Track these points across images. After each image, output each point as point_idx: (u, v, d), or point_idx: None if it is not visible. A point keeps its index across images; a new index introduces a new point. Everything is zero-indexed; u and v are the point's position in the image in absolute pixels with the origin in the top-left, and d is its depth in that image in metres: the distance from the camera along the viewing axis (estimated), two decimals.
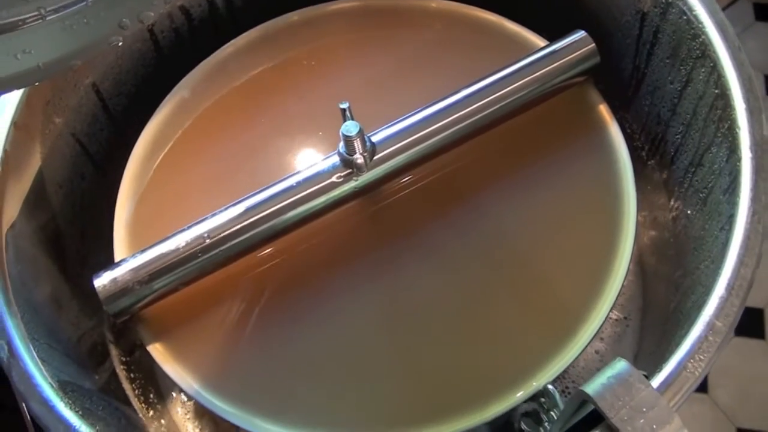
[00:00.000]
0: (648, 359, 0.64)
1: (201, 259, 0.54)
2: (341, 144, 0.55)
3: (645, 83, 0.66)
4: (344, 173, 0.56)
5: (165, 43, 0.71)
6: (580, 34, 0.62)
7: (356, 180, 0.57)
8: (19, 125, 0.57)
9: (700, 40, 0.56)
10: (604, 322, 0.54)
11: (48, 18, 0.43)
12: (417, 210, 0.60)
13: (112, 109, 0.69)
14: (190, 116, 0.66)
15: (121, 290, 0.53)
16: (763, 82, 1.22)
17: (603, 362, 0.69)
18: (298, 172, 0.57)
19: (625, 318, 0.71)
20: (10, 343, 0.49)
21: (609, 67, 0.63)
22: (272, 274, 0.58)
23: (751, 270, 0.46)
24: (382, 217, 0.60)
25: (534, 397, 0.53)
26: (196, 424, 0.70)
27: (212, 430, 0.69)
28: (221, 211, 0.56)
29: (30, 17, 0.42)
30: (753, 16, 1.31)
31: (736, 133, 0.52)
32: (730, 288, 0.46)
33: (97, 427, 0.46)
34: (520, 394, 0.52)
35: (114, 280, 0.53)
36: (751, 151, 0.50)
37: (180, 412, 0.70)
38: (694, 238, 0.59)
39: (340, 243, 0.59)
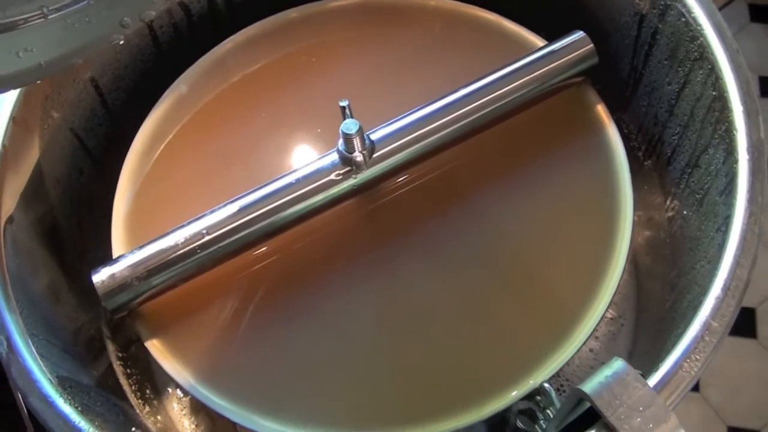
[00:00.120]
0: (643, 358, 0.64)
1: (199, 255, 0.55)
2: (340, 142, 0.55)
3: (643, 84, 0.67)
4: (343, 171, 0.56)
5: (164, 38, 0.71)
6: (579, 34, 0.62)
7: (355, 178, 0.57)
8: (17, 120, 0.57)
9: (699, 42, 0.57)
10: (600, 321, 0.54)
11: (50, 17, 0.43)
12: (414, 209, 0.60)
13: (110, 104, 0.68)
14: (188, 112, 0.66)
15: (120, 286, 0.53)
16: (758, 84, 1.23)
17: (597, 361, 0.69)
18: (296, 170, 0.57)
19: (620, 317, 0.72)
20: (9, 339, 0.49)
21: (607, 67, 0.63)
22: (269, 271, 0.58)
23: (747, 271, 0.47)
24: (379, 215, 0.60)
25: (530, 396, 0.54)
26: (192, 420, 0.70)
27: (208, 426, 0.69)
28: (220, 208, 0.56)
29: (32, 16, 0.42)
30: (748, 17, 1.31)
31: (734, 135, 0.52)
32: (726, 288, 0.46)
33: (96, 423, 0.46)
34: (517, 393, 0.52)
35: (112, 275, 0.53)
36: (748, 153, 0.51)
37: (176, 408, 0.70)
38: (690, 239, 0.59)
39: (337, 241, 0.59)
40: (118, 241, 0.60)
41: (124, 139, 0.64)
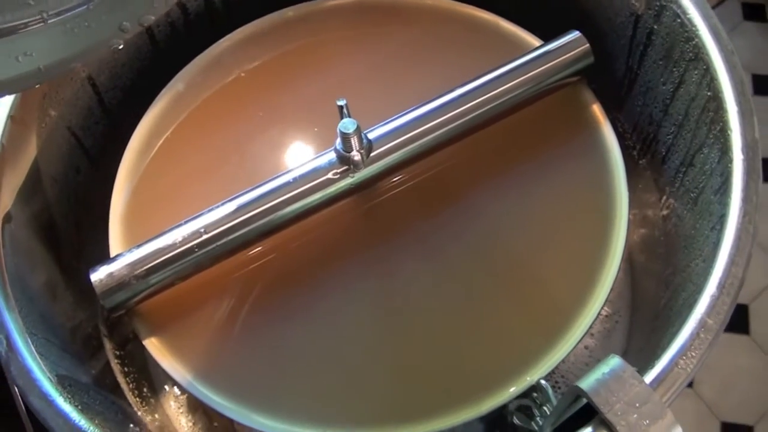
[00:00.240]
0: (637, 355, 0.65)
1: (197, 254, 0.55)
2: (338, 141, 0.55)
3: (638, 84, 0.67)
4: (341, 170, 0.56)
5: (161, 37, 0.71)
6: (575, 34, 0.63)
7: (352, 177, 0.57)
8: (15, 119, 0.57)
9: (694, 42, 0.57)
10: (595, 319, 0.55)
11: (50, 21, 0.43)
12: (411, 208, 0.60)
13: (107, 103, 0.68)
14: (185, 110, 0.66)
15: (118, 284, 0.53)
16: (751, 82, 1.24)
17: (592, 358, 0.70)
18: (294, 168, 0.57)
19: (615, 314, 0.72)
20: (8, 338, 0.49)
21: (602, 67, 0.64)
22: (266, 270, 0.58)
23: (742, 269, 0.47)
24: (376, 214, 0.61)
25: (527, 393, 0.54)
26: (189, 418, 0.70)
27: (205, 424, 0.70)
28: (217, 207, 0.56)
29: (32, 20, 0.43)
30: (741, 15, 1.32)
31: (728, 135, 0.53)
32: (722, 287, 0.47)
33: (96, 421, 0.47)
34: (514, 389, 0.52)
35: (110, 274, 0.54)
36: (743, 153, 0.51)
37: (173, 406, 0.70)
38: (685, 237, 0.60)
39: (333, 240, 0.59)
40: (115, 240, 0.60)
41: (121, 137, 0.64)
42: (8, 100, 0.57)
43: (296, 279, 0.58)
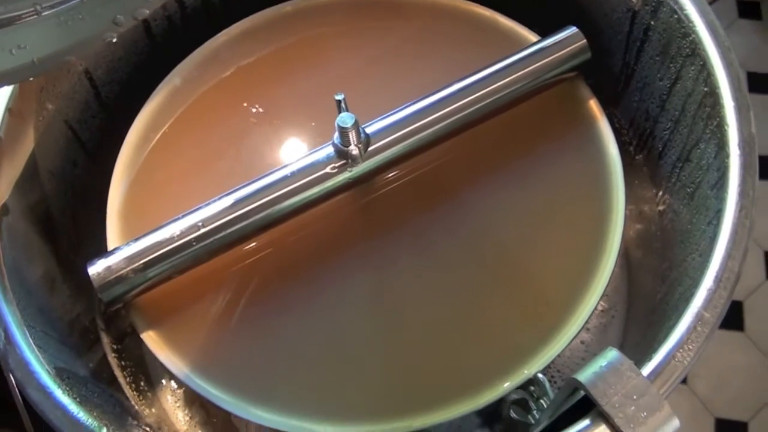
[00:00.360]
0: (633, 350, 0.65)
1: (195, 247, 0.55)
2: (336, 135, 0.55)
3: (635, 79, 0.67)
4: (339, 164, 0.57)
5: (158, 31, 0.70)
6: (572, 30, 0.63)
7: (350, 171, 0.57)
8: (13, 111, 0.57)
9: (690, 38, 0.57)
10: (592, 313, 0.55)
11: (43, 14, 0.43)
12: (408, 203, 0.60)
13: (104, 97, 0.68)
14: (182, 104, 0.66)
15: (116, 278, 0.53)
16: (746, 79, 1.24)
17: (588, 352, 0.70)
18: (292, 163, 0.57)
19: (611, 309, 0.73)
20: (6, 330, 0.49)
21: (599, 63, 0.64)
22: (264, 264, 0.58)
23: (739, 263, 0.48)
24: (373, 209, 0.61)
25: (524, 386, 0.54)
26: (186, 412, 0.70)
27: (202, 418, 0.70)
28: (215, 200, 0.56)
29: (25, 13, 0.43)
30: (736, 12, 1.33)
31: (725, 130, 0.53)
32: (719, 280, 0.47)
33: (95, 413, 0.47)
34: (511, 383, 0.53)
35: (108, 267, 0.54)
36: (740, 148, 0.51)
37: (170, 400, 0.70)
38: (681, 232, 0.60)
39: (330, 234, 0.59)
40: (112, 234, 0.60)
41: (118, 131, 0.64)
42: (6, 93, 0.57)
43: (293, 273, 0.58)
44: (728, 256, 0.48)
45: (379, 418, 0.53)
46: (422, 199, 0.61)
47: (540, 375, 0.53)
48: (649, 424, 0.40)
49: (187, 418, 0.70)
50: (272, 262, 0.58)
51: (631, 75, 0.68)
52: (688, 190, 0.60)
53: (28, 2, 0.42)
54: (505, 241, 0.59)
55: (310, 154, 0.57)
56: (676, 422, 0.41)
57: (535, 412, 0.57)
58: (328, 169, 0.57)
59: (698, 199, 0.57)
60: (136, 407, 0.64)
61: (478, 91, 0.60)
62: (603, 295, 0.56)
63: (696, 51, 0.57)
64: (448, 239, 0.59)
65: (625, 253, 0.74)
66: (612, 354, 0.42)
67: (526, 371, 0.53)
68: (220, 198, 0.56)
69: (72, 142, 0.66)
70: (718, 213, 0.51)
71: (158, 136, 0.64)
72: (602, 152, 0.61)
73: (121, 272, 0.53)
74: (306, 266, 0.58)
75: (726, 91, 0.54)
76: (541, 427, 0.48)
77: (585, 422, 0.42)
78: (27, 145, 0.59)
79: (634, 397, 0.41)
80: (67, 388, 0.48)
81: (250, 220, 0.56)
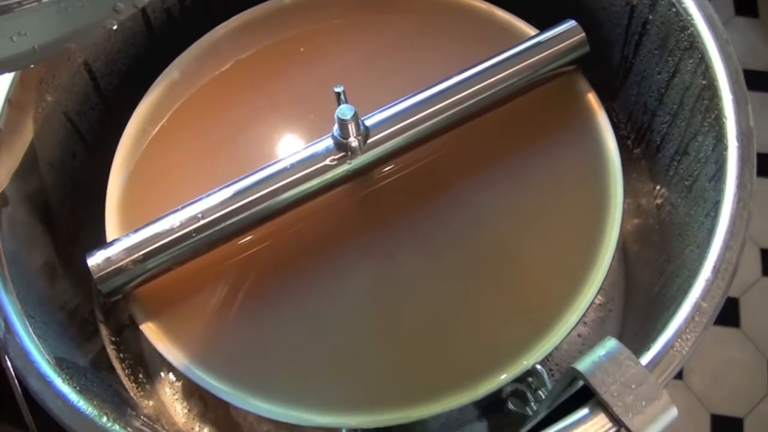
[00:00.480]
0: (631, 341, 0.65)
1: (194, 239, 0.55)
2: (336, 127, 0.55)
3: (633, 73, 0.67)
4: (338, 156, 0.57)
5: (157, 23, 0.70)
6: (570, 23, 0.63)
7: (350, 163, 0.57)
8: (12, 102, 0.57)
9: (689, 32, 0.57)
10: (590, 305, 0.55)
11: (44, 1, 0.43)
12: (407, 196, 0.61)
13: (103, 89, 0.68)
14: (181, 97, 0.66)
15: (115, 269, 0.54)
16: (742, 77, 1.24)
17: (586, 345, 0.70)
18: (291, 155, 0.57)
19: (608, 302, 0.73)
20: (6, 320, 0.49)
21: (598, 56, 0.64)
22: (263, 256, 0.58)
23: (736, 254, 0.48)
24: (372, 201, 0.61)
25: (522, 378, 0.54)
26: (185, 404, 0.70)
27: (200, 410, 0.70)
28: (215, 192, 0.56)
29: (26, 0, 0.42)
30: (733, 10, 1.33)
31: (723, 122, 0.53)
32: (717, 271, 0.47)
33: (95, 403, 0.47)
34: (509, 374, 0.53)
35: (108, 259, 0.54)
36: (738, 141, 0.52)
37: (168, 393, 0.70)
38: (679, 225, 0.60)
39: (329, 227, 0.60)
40: (111, 225, 0.60)
41: (117, 123, 0.64)
42: (5, 83, 0.57)
43: (292, 264, 0.58)
44: (726, 247, 0.48)
45: (378, 408, 0.53)
46: (421, 192, 0.61)
47: (538, 366, 0.53)
48: (648, 413, 0.40)
49: (186, 410, 0.70)
50: (271, 254, 0.59)
51: (629, 68, 0.68)
52: (686, 182, 0.60)
53: None
54: (503, 233, 0.59)
55: (310, 146, 0.58)
56: (674, 411, 0.41)
57: (533, 403, 0.57)
58: (327, 161, 0.57)
59: (696, 191, 0.57)
60: (135, 399, 0.64)
61: (477, 84, 0.60)
62: (600, 289, 0.56)
63: (694, 44, 0.57)
64: (446, 232, 0.59)
65: (622, 248, 0.74)
66: (611, 343, 0.42)
67: (524, 362, 0.53)
68: (219, 189, 0.56)
69: (71, 133, 0.66)
70: (716, 205, 0.51)
71: (157, 128, 0.65)
72: (600, 146, 0.61)
73: (121, 263, 0.54)
74: (305, 258, 0.58)
75: (724, 84, 0.54)
76: (539, 418, 0.49)
77: (584, 411, 0.42)
78: (26, 136, 0.59)
79: (633, 386, 0.41)
80: (67, 378, 0.48)
81: (250, 211, 0.56)
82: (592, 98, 0.63)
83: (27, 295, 0.52)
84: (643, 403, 0.40)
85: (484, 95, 0.60)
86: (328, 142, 0.57)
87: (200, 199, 0.56)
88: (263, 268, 0.58)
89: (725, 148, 0.52)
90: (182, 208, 0.56)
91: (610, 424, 0.41)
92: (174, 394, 0.70)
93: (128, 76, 0.70)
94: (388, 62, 0.67)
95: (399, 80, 0.64)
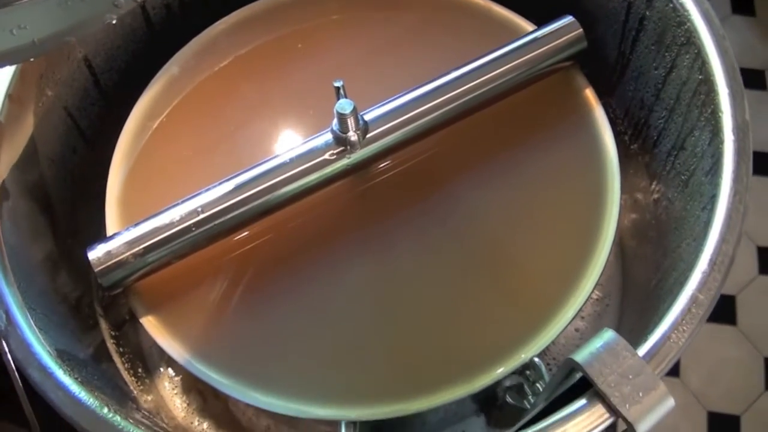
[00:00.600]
0: (628, 335, 0.65)
1: (195, 233, 0.55)
2: (335, 122, 0.56)
3: (630, 69, 0.68)
4: (337, 151, 0.57)
5: (156, 19, 0.71)
6: (568, 19, 0.63)
7: (349, 158, 0.57)
8: (13, 97, 0.57)
9: (686, 27, 0.58)
10: (588, 298, 0.55)
11: None
12: (406, 191, 0.61)
13: (103, 84, 0.69)
14: (180, 92, 0.66)
15: (116, 263, 0.54)
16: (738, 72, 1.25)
17: (583, 340, 0.71)
18: (291, 149, 0.57)
19: (605, 297, 0.73)
20: (7, 312, 0.49)
21: (595, 52, 0.65)
22: (262, 250, 0.59)
23: (733, 247, 0.48)
24: (370, 196, 0.61)
25: (519, 371, 0.55)
26: (184, 399, 0.70)
27: (200, 405, 0.70)
28: (215, 186, 0.56)
29: None
30: (730, 8, 1.33)
31: (719, 117, 0.53)
32: (713, 263, 0.48)
33: (95, 394, 0.47)
34: (507, 367, 0.53)
35: (108, 252, 0.54)
36: (734, 134, 0.52)
37: (168, 387, 0.70)
38: (676, 219, 0.61)
39: (328, 221, 0.60)
40: (111, 220, 0.60)
41: (116, 118, 0.64)
42: (6, 78, 0.57)
43: (291, 259, 0.58)
44: (722, 239, 0.48)
45: (377, 401, 0.53)
46: (419, 187, 0.61)
47: (536, 359, 0.53)
48: (645, 403, 0.41)
49: (185, 405, 0.70)
50: (271, 248, 0.59)
51: (626, 64, 0.68)
52: (683, 177, 0.60)
53: None
54: (501, 228, 0.59)
55: (309, 140, 0.58)
56: (671, 401, 0.41)
57: (530, 397, 0.58)
58: (326, 156, 0.57)
59: (693, 186, 0.58)
60: (135, 393, 0.65)
61: (476, 80, 0.60)
62: (598, 284, 0.56)
63: (691, 39, 0.57)
64: (444, 227, 0.59)
65: (619, 243, 0.75)
66: (608, 334, 0.43)
67: (522, 355, 0.53)
68: (219, 184, 0.56)
69: (71, 129, 0.66)
70: (713, 198, 0.51)
71: (156, 124, 0.65)
72: (597, 141, 0.62)
73: (121, 257, 0.54)
74: (304, 252, 0.58)
75: (720, 79, 0.54)
76: (537, 410, 0.49)
77: (581, 402, 0.42)
78: (27, 131, 0.60)
79: (630, 376, 0.41)
80: (69, 369, 0.48)
81: (249, 205, 0.56)
82: (589, 94, 0.64)
83: (28, 287, 0.53)
84: (641, 393, 0.41)
85: (483, 90, 0.61)
86: (328, 137, 0.57)
87: (200, 194, 0.56)
88: (263, 262, 0.58)
89: (721, 142, 0.53)
90: (182, 202, 0.56)
91: (607, 414, 0.41)
92: (173, 389, 0.70)
93: (128, 72, 0.70)
94: (387, 58, 0.67)
95: (398, 76, 0.64)
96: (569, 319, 0.55)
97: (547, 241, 0.59)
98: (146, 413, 0.56)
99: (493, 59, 0.61)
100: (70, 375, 0.47)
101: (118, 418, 0.46)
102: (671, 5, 0.59)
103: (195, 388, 0.70)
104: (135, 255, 0.54)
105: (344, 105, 0.54)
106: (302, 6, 0.70)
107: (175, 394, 0.70)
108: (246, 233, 0.59)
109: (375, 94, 0.60)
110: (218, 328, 0.56)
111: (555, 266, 0.57)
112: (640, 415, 0.40)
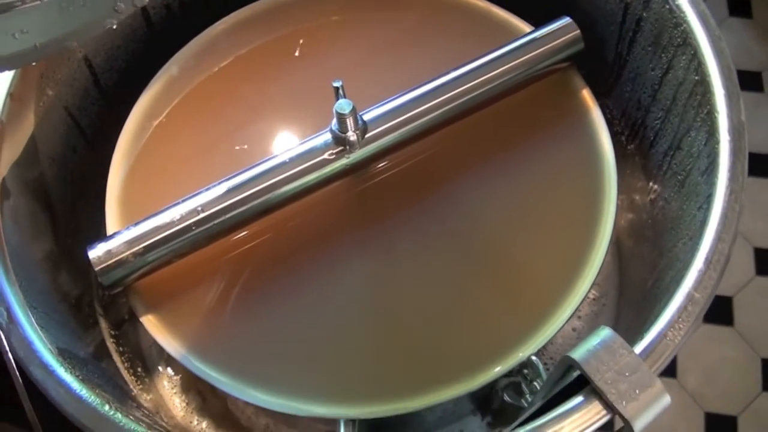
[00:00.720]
0: (625, 334, 0.65)
1: (195, 232, 0.55)
2: (334, 121, 0.56)
3: (627, 70, 0.68)
4: (336, 150, 0.57)
5: (156, 19, 0.71)
6: (566, 20, 0.64)
7: (348, 158, 0.58)
8: (14, 96, 0.57)
9: (682, 28, 0.58)
10: (584, 297, 0.56)
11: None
12: (403, 191, 0.61)
13: (103, 84, 0.69)
14: (180, 92, 0.67)
15: (116, 262, 0.54)
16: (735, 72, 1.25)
17: (580, 339, 0.70)
18: (290, 149, 0.58)
19: (602, 297, 0.73)
20: (9, 309, 0.49)
21: (593, 53, 0.65)
22: (261, 249, 0.59)
23: (728, 245, 0.48)
24: (369, 196, 0.61)
25: (517, 370, 0.55)
26: (183, 398, 0.70)
27: (199, 404, 0.70)
28: (215, 186, 0.56)
29: None
30: (727, 11, 1.33)
31: (715, 117, 0.54)
32: (709, 262, 0.48)
33: (96, 392, 0.47)
34: (506, 365, 0.53)
35: (109, 251, 0.54)
36: (730, 134, 0.52)
37: (167, 387, 0.71)
38: (672, 219, 0.61)
39: (327, 220, 0.60)
40: (112, 219, 0.60)
41: (117, 118, 0.65)
42: (7, 78, 0.57)
43: (291, 258, 0.58)
44: (718, 238, 0.49)
45: (376, 400, 0.53)
46: (417, 187, 0.61)
47: (533, 357, 0.54)
48: (641, 400, 0.41)
49: (184, 404, 0.70)
50: (270, 248, 0.59)
51: (623, 65, 0.68)
52: (679, 177, 0.61)
53: None
54: (499, 228, 0.59)
55: (308, 140, 0.58)
56: (667, 399, 0.42)
57: (528, 396, 0.58)
58: (325, 156, 0.57)
59: (689, 185, 0.58)
60: (134, 391, 0.65)
61: (474, 80, 0.61)
62: (594, 283, 0.57)
63: (687, 40, 0.58)
64: (442, 227, 0.59)
65: (616, 243, 0.75)
66: (605, 332, 0.43)
67: (520, 354, 0.54)
68: (219, 183, 0.56)
69: (72, 128, 0.66)
70: (709, 198, 0.51)
71: (156, 124, 0.65)
72: (594, 142, 0.62)
73: (122, 256, 0.54)
74: (303, 251, 0.59)
75: (716, 79, 0.55)
76: (534, 408, 0.49)
77: (578, 399, 0.42)
78: (28, 130, 0.60)
79: (627, 373, 0.41)
80: (70, 367, 0.48)
81: (249, 205, 0.56)
82: (586, 95, 0.64)
83: (29, 286, 0.53)
84: (637, 390, 0.41)
85: (481, 91, 0.61)
86: (327, 137, 0.57)
87: (200, 193, 0.56)
88: (262, 261, 0.59)
89: (717, 142, 0.53)
90: (182, 201, 0.56)
91: (604, 411, 0.42)
92: (172, 388, 0.71)
93: (128, 72, 0.71)
94: (387, 58, 0.68)
95: (397, 76, 0.64)
96: (566, 318, 0.55)
97: (544, 241, 0.59)
98: (146, 411, 0.56)
99: (491, 60, 0.62)
100: (71, 373, 0.48)
101: (119, 415, 0.46)
102: (668, 7, 0.59)
103: (194, 387, 0.70)
104: (135, 254, 0.54)
105: (343, 105, 0.55)
106: (302, 6, 0.70)
107: (175, 393, 0.70)
108: (245, 232, 0.59)
109: (374, 95, 0.61)
110: (218, 327, 0.56)
111: (552, 266, 0.58)
112: (636, 412, 0.41)
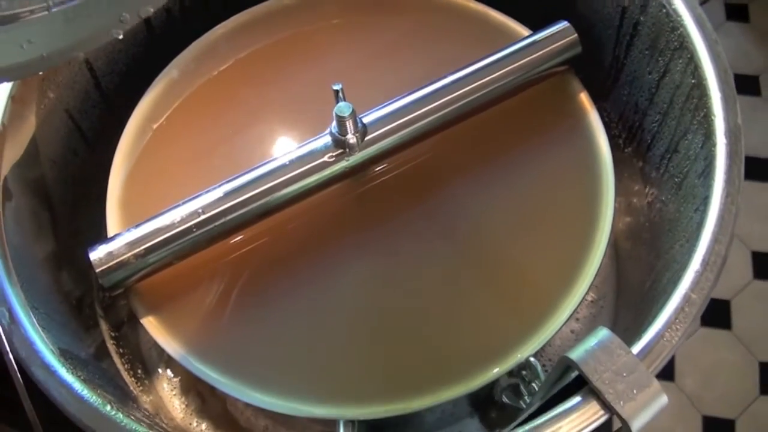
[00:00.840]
0: (623, 335, 0.65)
1: (195, 234, 0.56)
2: (334, 124, 0.56)
3: (624, 73, 0.69)
4: (336, 153, 0.58)
5: (156, 23, 0.71)
6: (563, 24, 0.64)
7: (347, 160, 0.58)
8: (16, 99, 0.58)
9: (679, 32, 0.58)
10: (582, 299, 0.56)
11: (53, 10, 0.44)
12: (402, 194, 0.62)
13: (104, 87, 0.69)
14: (180, 95, 0.67)
15: (117, 263, 0.54)
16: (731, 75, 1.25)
17: (578, 341, 0.71)
18: (290, 152, 0.58)
19: (600, 299, 0.74)
20: (10, 310, 0.50)
21: (590, 57, 0.65)
22: (261, 251, 0.59)
23: (725, 247, 0.49)
24: (368, 199, 0.62)
25: (516, 371, 0.55)
26: (182, 399, 0.71)
27: (198, 405, 0.70)
28: (215, 188, 0.57)
29: (37, 8, 0.44)
30: (724, 15, 1.34)
31: (712, 120, 0.54)
32: (705, 263, 0.48)
33: (98, 392, 0.47)
34: (504, 366, 0.54)
35: (109, 253, 0.54)
36: (726, 137, 0.53)
37: (166, 388, 0.71)
38: (669, 221, 0.61)
39: (326, 223, 0.60)
40: (112, 221, 0.60)
41: (117, 121, 0.65)
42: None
43: (290, 260, 0.59)
44: (715, 240, 0.49)
45: (375, 401, 0.54)
46: (416, 190, 0.62)
47: (532, 358, 0.54)
48: (639, 400, 0.41)
49: (184, 405, 0.70)
50: (270, 250, 0.59)
51: (620, 69, 0.69)
52: (676, 180, 0.61)
53: None
54: (497, 230, 0.60)
55: (308, 143, 0.58)
56: (664, 399, 0.42)
57: (526, 397, 0.58)
58: (325, 158, 0.58)
59: (686, 188, 0.58)
60: (135, 393, 0.65)
61: (472, 83, 0.61)
62: (592, 285, 0.57)
63: (684, 44, 0.58)
64: (441, 230, 0.60)
65: (614, 245, 0.75)
66: (603, 333, 0.43)
67: (518, 355, 0.54)
68: (219, 185, 0.57)
69: (72, 131, 0.67)
70: (705, 200, 0.52)
71: (156, 126, 0.65)
72: (592, 145, 0.62)
73: (123, 257, 0.54)
74: (302, 253, 0.59)
75: (713, 83, 0.55)
76: (532, 409, 0.49)
77: (576, 399, 0.43)
78: (29, 131, 0.60)
79: (624, 374, 0.42)
80: (71, 368, 0.48)
81: (249, 207, 0.56)
82: (584, 98, 0.64)
83: (31, 287, 0.53)
84: (635, 390, 0.41)
85: (479, 94, 0.61)
86: (326, 139, 0.58)
87: (200, 195, 0.57)
88: (262, 263, 0.59)
89: (714, 145, 0.53)
90: (183, 203, 0.56)
91: (602, 411, 0.42)
92: (172, 390, 0.71)
93: (129, 75, 0.71)
94: (386, 62, 0.68)
95: (396, 79, 0.65)
96: (565, 320, 0.55)
97: (543, 244, 0.59)
98: (146, 412, 0.56)
99: (490, 63, 0.62)
100: (72, 373, 0.48)
101: (120, 415, 0.46)
102: (665, 11, 0.60)
103: (194, 388, 0.70)
104: (136, 256, 0.54)
105: (343, 108, 0.55)
106: (302, 10, 0.71)
107: (174, 395, 0.71)
108: (245, 235, 0.59)
109: (373, 98, 0.61)
110: (217, 329, 0.57)
111: (551, 268, 0.58)
112: (634, 412, 0.41)
